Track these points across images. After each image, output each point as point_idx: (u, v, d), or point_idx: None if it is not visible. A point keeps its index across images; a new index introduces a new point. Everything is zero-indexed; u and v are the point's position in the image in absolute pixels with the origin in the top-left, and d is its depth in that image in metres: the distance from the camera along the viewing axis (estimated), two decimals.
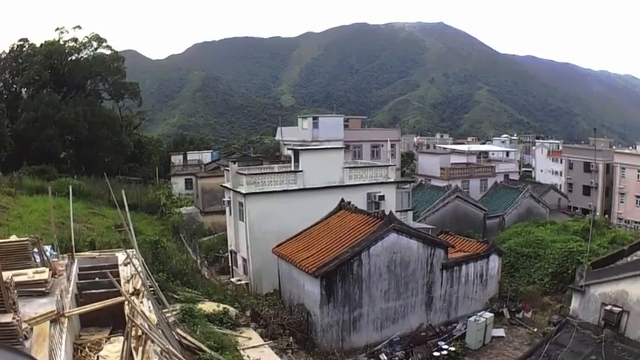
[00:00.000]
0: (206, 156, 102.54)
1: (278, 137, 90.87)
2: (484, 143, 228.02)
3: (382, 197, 46.57)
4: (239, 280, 43.69)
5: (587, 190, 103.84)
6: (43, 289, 16.16)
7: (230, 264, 49.58)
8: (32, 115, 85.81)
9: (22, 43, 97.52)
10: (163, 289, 26.22)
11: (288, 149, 47.53)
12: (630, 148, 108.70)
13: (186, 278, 32.56)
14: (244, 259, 44.55)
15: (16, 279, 15.54)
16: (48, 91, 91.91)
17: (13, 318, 12.07)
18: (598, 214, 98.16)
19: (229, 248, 49.03)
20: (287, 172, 44.42)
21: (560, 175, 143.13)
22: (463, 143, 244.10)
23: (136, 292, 18.47)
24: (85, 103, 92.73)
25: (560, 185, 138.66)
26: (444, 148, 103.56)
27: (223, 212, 51.18)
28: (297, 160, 45.05)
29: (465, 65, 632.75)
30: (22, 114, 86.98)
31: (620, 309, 22.19)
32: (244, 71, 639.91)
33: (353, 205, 38.53)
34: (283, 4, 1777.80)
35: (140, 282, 19.21)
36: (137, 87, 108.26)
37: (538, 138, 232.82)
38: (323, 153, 45.64)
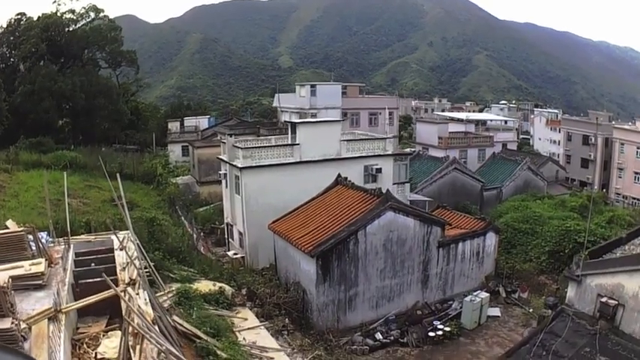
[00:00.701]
0: (203, 122, 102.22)
1: (275, 104, 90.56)
2: (482, 109, 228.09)
3: (379, 170, 46.46)
4: (235, 254, 43.44)
5: (585, 163, 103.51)
6: (40, 281, 15.97)
7: (226, 236, 49.46)
8: (29, 87, 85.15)
9: (19, 17, 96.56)
10: (159, 269, 26.42)
11: (286, 122, 46.99)
12: (630, 123, 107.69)
13: (182, 256, 32.32)
14: (240, 233, 44.44)
15: (13, 272, 15.57)
16: (45, 63, 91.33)
17: (12, 322, 12.00)
18: (596, 187, 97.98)
19: (225, 220, 48.88)
20: (284, 145, 44.07)
21: (559, 144, 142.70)
22: (461, 108, 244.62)
23: (132, 282, 18.24)
24: (81, 73, 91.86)
25: (558, 155, 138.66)
26: (443, 117, 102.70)
27: (220, 182, 50.73)
28: (294, 133, 44.68)
29: (464, 30, 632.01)
30: (19, 87, 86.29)
31: (616, 302, 22.17)
32: (243, 33, 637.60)
33: (350, 181, 38.30)
34: None
35: (135, 272, 19.01)
36: (134, 55, 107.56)
37: (537, 106, 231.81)
38: (320, 126, 45.45)
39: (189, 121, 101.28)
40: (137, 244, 22.02)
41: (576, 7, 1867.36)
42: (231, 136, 44.68)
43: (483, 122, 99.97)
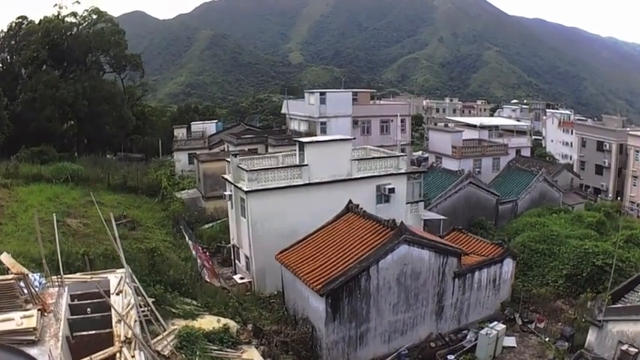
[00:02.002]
0: (210, 127, 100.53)
1: (284, 110, 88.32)
2: (495, 109, 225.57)
3: (392, 190, 44.44)
4: (242, 278, 41.84)
5: (599, 170, 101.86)
6: (32, 337, 15.01)
7: (232, 257, 47.62)
8: (30, 95, 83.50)
9: (20, 20, 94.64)
10: (161, 303, 25.36)
11: (294, 139, 44.87)
12: None
13: (184, 288, 30.59)
14: (247, 257, 42.61)
15: (3, 326, 14.89)
16: (46, 69, 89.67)
17: None
18: (610, 195, 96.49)
19: (231, 242, 47.00)
20: (291, 166, 42.05)
21: (571, 146, 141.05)
22: (473, 107, 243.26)
23: (128, 341, 16.79)
24: (84, 79, 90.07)
25: (571, 158, 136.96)
26: (455, 122, 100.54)
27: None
28: (301, 152, 42.68)
29: (474, 25, 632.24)
30: (20, 94, 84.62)
31: (637, 350, 20.73)
32: (253, 29, 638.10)
33: (361, 208, 36.27)
34: None
35: (131, 332, 17.41)
36: (139, 59, 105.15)
37: (548, 106, 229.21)
38: (330, 145, 43.13)
39: (196, 126, 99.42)
40: (134, 287, 20.73)
41: (585, 2, 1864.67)
42: (235, 156, 42.74)
43: (497, 127, 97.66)
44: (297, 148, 43.50)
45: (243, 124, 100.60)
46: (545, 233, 50.73)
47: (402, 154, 47.92)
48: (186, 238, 49.01)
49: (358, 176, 43.42)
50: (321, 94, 77.24)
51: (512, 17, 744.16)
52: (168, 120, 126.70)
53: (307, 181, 41.27)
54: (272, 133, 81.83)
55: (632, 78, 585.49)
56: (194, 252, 44.78)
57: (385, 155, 46.96)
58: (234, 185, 42.19)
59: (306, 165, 41.31)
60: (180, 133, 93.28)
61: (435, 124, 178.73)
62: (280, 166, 42.92)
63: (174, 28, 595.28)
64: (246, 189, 39.54)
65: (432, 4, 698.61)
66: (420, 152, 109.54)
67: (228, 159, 44.04)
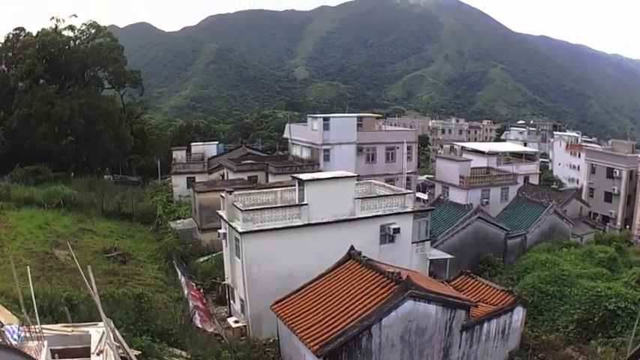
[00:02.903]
0: (211, 149, 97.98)
1: (286, 135, 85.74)
2: (501, 131, 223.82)
3: (397, 230, 41.85)
4: (236, 322, 39.30)
5: (608, 197, 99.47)
6: None
7: (227, 297, 45.07)
8: (25, 111, 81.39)
9: (17, 32, 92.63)
10: (148, 355, 23.38)
11: (293, 177, 42.25)
12: None
13: (173, 338, 28.28)
14: (242, 300, 40.06)
15: None
16: (42, 85, 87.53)
17: None
18: (619, 224, 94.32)
19: (226, 281, 44.42)
20: (290, 206, 39.42)
21: (578, 169, 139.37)
22: (479, 127, 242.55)
23: None
24: (81, 96, 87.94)
25: (578, 181, 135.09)
26: (462, 147, 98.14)
27: None
28: (301, 190, 40.13)
29: (479, 42, 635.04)
30: (16, 110, 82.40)
31: None
32: (258, 44, 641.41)
33: (364, 256, 33.69)
34: None
35: None
36: (138, 75, 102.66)
37: (555, 127, 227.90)
38: (331, 183, 40.46)
39: (196, 148, 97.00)
40: (115, 348, 18.97)
41: (590, 20, 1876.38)
42: (230, 193, 40.21)
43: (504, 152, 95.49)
44: (297, 185, 40.97)
45: (244, 147, 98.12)
46: (555, 273, 48.70)
47: (409, 191, 45.28)
48: (179, 275, 46.68)
49: (362, 216, 40.82)
50: (325, 119, 74.58)
51: (517, 34, 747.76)
52: (168, 139, 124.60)
53: (307, 222, 38.65)
54: (273, 159, 79.46)
55: (637, 96, 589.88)
56: (186, 291, 42.49)
57: (391, 193, 44.38)
58: (229, 224, 39.71)
59: (306, 204, 38.73)
60: (179, 155, 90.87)
61: (441, 146, 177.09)
62: (278, 205, 40.17)
63: (180, 40, 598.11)
64: (240, 230, 37.03)
65: (437, 20, 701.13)
66: (425, 177, 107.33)
67: (223, 194, 41.57)
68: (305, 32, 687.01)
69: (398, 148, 78.38)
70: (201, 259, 54.41)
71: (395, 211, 42.37)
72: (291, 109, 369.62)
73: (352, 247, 34.59)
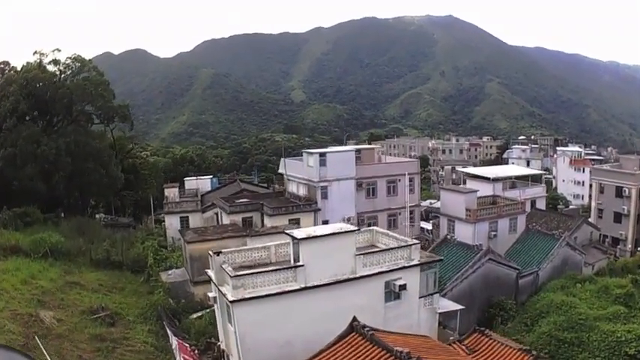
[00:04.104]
0: (205, 183, 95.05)
1: (281, 170, 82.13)
2: (502, 148, 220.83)
3: (403, 286, 38.04)
4: None
5: (618, 218, 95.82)
6: None
7: None
8: (11, 151, 78.31)
9: (2, 66, 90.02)
10: None
11: (286, 233, 38.43)
12: None
13: None
14: None
15: None
16: (27, 124, 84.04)
17: None
18: (629, 246, 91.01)
19: (220, 345, 40.70)
20: (284, 268, 35.57)
21: (583, 185, 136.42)
22: (479, 145, 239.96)
23: None
24: (68, 134, 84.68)
25: (583, 197, 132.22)
26: (466, 174, 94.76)
27: None
28: (296, 248, 36.35)
29: (475, 58, 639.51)
30: (1, 150, 79.42)
31: None
32: (254, 67, 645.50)
33: (368, 330, 29.88)
34: None
35: None
36: (127, 110, 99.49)
37: (557, 141, 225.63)
38: (330, 240, 36.51)
39: (190, 183, 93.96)
40: None
41: (585, 28, 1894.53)
42: (217, 255, 36.50)
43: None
44: (291, 244, 37.23)
45: (238, 182, 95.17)
46: (572, 318, 46.38)
47: (415, 241, 41.27)
48: (170, 338, 43.07)
49: (364, 274, 37.02)
50: (321, 155, 70.70)
51: (513, 47, 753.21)
52: (161, 173, 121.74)
53: (303, 285, 34.86)
54: (268, 197, 76.04)
55: (634, 101, 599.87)
56: (179, 358, 38.83)
57: (395, 244, 40.60)
58: (218, 288, 36.01)
59: (302, 265, 34.99)
60: (171, 193, 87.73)
61: (442, 168, 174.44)
62: (271, 269, 36.20)
63: (175, 67, 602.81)
64: (231, 298, 33.31)
65: (432, 37, 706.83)
66: (428, 202, 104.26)
67: (211, 253, 37.84)
68: (300, 54, 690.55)
69: (399, 180, 75.09)
70: (195, 316, 50.73)
71: (400, 266, 38.51)
72: (289, 133, 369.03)
73: (355, 319, 30.80)
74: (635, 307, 49.44)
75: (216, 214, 77.26)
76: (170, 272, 60.38)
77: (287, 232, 37.40)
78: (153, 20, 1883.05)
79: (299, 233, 36.18)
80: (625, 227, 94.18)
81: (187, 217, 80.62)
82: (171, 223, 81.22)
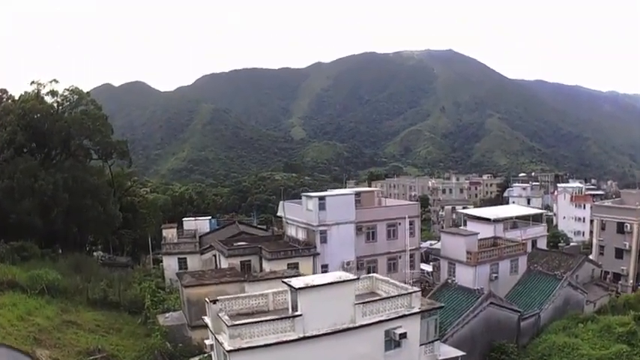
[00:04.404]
0: (203, 224, 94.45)
1: (280, 213, 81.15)
2: (502, 186, 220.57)
3: (404, 335, 37.41)
4: None
5: (619, 253, 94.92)
6: None
7: None
8: (8, 183, 77.63)
9: (0, 94, 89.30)
10: None
11: (284, 282, 37.68)
12: None
13: None
14: None
15: None
16: (24, 156, 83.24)
17: None
18: (631, 281, 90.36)
19: None
20: (282, 318, 34.93)
21: (583, 221, 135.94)
22: (479, 183, 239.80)
23: None
24: (66, 168, 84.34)
25: (583, 233, 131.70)
26: (466, 215, 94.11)
27: None
28: (294, 297, 35.71)
29: (476, 92, 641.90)
30: None
31: None
32: (254, 103, 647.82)
33: None
34: (292, 34, 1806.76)
35: None
36: (125, 146, 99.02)
37: (557, 177, 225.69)
38: (328, 289, 35.87)
39: (188, 224, 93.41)
40: None
41: (585, 59, 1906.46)
42: (214, 303, 35.91)
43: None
44: (289, 293, 36.61)
45: (237, 224, 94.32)
46: None
47: (416, 289, 40.69)
48: None
49: (364, 323, 36.39)
50: (320, 198, 69.45)
51: (513, 81, 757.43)
52: (160, 213, 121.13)
53: (302, 335, 34.26)
54: (267, 240, 75.26)
55: (634, 131, 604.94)
56: None
57: (395, 293, 39.97)
58: (215, 337, 35.37)
59: (300, 315, 34.39)
60: (169, 234, 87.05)
61: (442, 208, 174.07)
62: (268, 318, 35.53)
63: (175, 101, 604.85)
64: (227, 347, 32.72)
65: (432, 72, 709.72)
66: (428, 243, 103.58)
67: (208, 301, 37.23)
68: (300, 90, 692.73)
69: (400, 224, 74.20)
70: None
71: (401, 314, 37.93)
72: (289, 171, 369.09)
73: None
74: (638, 345, 49.07)
75: (215, 256, 76.51)
76: (167, 315, 59.73)
77: (285, 281, 36.85)
78: (153, 53, 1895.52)
79: (297, 282, 35.63)
80: (626, 262, 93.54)
81: (185, 258, 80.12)
82: (170, 264, 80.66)
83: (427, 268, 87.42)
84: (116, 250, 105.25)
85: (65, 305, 55.16)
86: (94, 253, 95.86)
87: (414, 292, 39.41)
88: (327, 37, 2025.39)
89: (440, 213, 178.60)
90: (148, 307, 60.35)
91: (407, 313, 38.19)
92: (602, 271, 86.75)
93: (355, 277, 39.14)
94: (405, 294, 39.17)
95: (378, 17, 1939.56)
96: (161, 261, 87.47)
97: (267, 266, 64.63)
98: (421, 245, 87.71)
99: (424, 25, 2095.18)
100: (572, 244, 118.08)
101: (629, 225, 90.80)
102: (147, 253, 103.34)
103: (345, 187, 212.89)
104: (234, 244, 72.42)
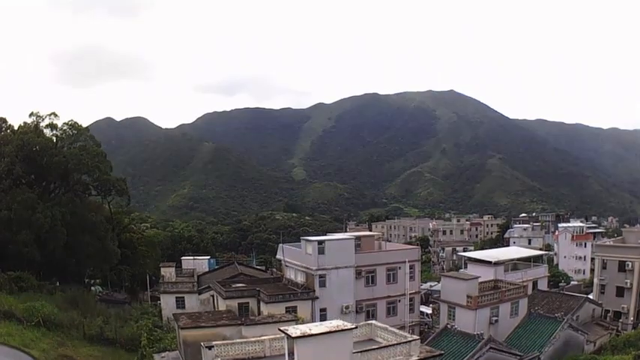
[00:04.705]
0: (202, 264, 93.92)
1: (279, 256, 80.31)
2: (503, 227, 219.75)
3: None
4: None
5: (620, 292, 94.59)
6: None
7: None
8: (6, 214, 77.64)
9: None
10: None
11: (280, 330, 36.95)
12: None
13: None
14: None
15: None
16: (22, 187, 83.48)
17: None
18: (632, 319, 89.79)
19: None
20: None
21: (584, 260, 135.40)
22: (479, 224, 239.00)
23: None
24: (64, 202, 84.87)
25: (584, 271, 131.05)
26: (467, 258, 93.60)
27: None
28: (291, 342, 35.05)
29: (476, 133, 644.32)
30: None
31: None
32: (255, 143, 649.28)
33: None
34: (294, 75, 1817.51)
35: None
36: (124, 184, 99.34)
37: (558, 217, 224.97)
38: (326, 339, 35.20)
39: (187, 263, 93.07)
40: None
41: (585, 97, 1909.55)
42: (210, 349, 35.39)
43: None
44: (285, 342, 35.92)
45: (235, 264, 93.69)
46: None
47: (415, 337, 40.04)
48: None
49: None
50: (319, 243, 68.77)
51: (513, 121, 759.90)
52: (158, 250, 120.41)
53: None
54: (266, 283, 74.47)
55: (635, 168, 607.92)
56: None
57: (394, 341, 39.27)
58: None
59: None
60: (167, 272, 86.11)
61: (443, 249, 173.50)
62: None
63: (177, 138, 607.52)
64: None
65: (433, 114, 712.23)
66: (428, 284, 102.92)
67: (203, 345, 36.68)
68: (302, 131, 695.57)
69: (400, 268, 73.57)
70: None
71: None
72: (290, 211, 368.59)
73: None
74: None
75: (213, 296, 75.83)
76: (164, 355, 58.91)
77: (282, 329, 36.16)
78: (155, 89, 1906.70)
79: (294, 331, 34.93)
80: (627, 300, 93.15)
81: (183, 297, 79.24)
82: (167, 302, 79.79)
83: (427, 310, 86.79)
84: (114, 285, 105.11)
85: (61, 339, 55.28)
86: (92, 288, 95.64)
87: (413, 340, 38.79)
88: (329, 78, 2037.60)
89: (440, 254, 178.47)
90: (144, 346, 59.82)
91: None
92: (602, 309, 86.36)
93: (353, 325, 38.36)
94: (403, 342, 38.55)
95: (380, 58, 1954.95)
96: (159, 298, 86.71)
97: (265, 309, 63.84)
98: (421, 287, 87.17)
99: (426, 65, 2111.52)
100: (572, 282, 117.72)
101: (630, 263, 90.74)
102: (145, 289, 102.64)
103: (346, 228, 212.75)
104: (233, 286, 71.62)
